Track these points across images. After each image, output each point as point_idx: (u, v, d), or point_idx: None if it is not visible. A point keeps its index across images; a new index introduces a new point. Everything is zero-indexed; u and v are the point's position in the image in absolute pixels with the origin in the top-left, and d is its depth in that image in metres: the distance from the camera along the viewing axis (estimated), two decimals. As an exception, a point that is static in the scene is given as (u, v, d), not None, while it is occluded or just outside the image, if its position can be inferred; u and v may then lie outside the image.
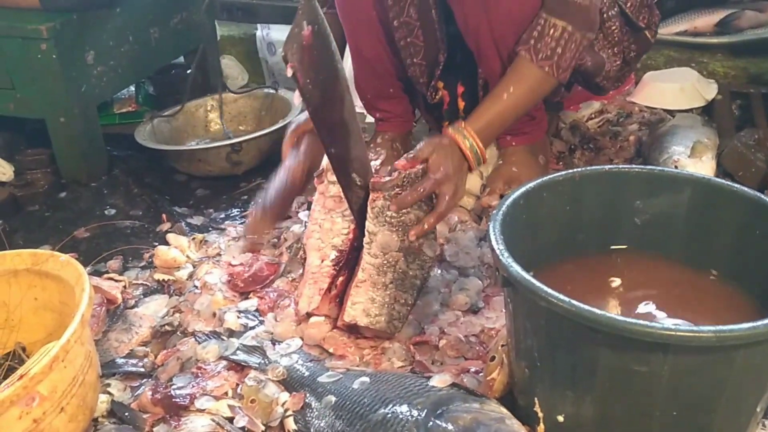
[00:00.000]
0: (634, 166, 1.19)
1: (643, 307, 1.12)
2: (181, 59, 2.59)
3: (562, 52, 1.42)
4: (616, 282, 1.19)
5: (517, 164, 1.68)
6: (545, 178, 1.18)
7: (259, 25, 2.66)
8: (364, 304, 1.29)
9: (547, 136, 1.82)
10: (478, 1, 1.45)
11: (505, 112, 1.43)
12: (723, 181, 1.16)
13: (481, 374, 1.20)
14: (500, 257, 0.99)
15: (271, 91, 2.35)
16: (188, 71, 2.48)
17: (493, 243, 1.02)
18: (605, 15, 1.58)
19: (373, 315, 1.29)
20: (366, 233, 1.31)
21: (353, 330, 1.33)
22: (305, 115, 1.52)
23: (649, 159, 1.74)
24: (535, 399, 1.04)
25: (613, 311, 1.10)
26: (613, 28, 1.60)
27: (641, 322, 0.86)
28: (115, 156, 2.16)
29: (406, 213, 1.31)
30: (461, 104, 1.75)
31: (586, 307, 0.89)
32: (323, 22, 1.16)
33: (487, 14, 1.46)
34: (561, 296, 0.90)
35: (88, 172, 2.05)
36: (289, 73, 1.13)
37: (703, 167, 1.64)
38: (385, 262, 1.30)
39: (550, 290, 0.92)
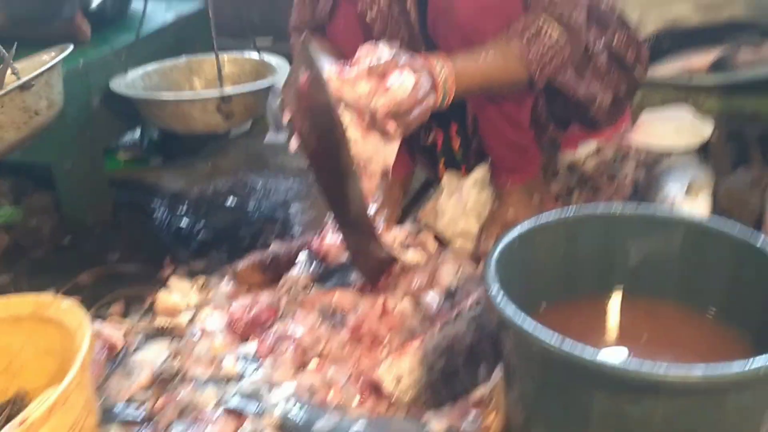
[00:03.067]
0: (627, 208, 1.20)
1: (640, 348, 1.13)
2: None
3: (550, 58, 1.42)
4: (612, 323, 1.20)
5: (513, 206, 1.69)
6: (539, 221, 1.19)
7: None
8: (401, 372, 1.27)
9: (543, 176, 1.84)
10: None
11: (479, 71, 1.40)
12: (715, 221, 1.17)
13: (478, 419, 1.20)
14: (494, 300, 1.00)
15: (255, 56, 2.28)
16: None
17: (488, 286, 1.03)
18: (591, 51, 1.61)
19: (402, 387, 1.27)
20: None
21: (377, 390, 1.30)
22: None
23: (646, 199, 1.75)
24: (531, 442, 1.05)
25: (608, 353, 1.10)
26: (600, 62, 1.63)
27: (632, 365, 0.87)
28: (120, 201, 2.19)
29: None
30: (456, 141, 1.77)
31: (579, 350, 0.89)
32: (319, 69, 1.19)
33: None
34: (554, 340, 0.91)
35: (93, 218, 2.08)
36: (286, 118, 1.16)
37: (699, 206, 1.65)
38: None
39: (543, 334, 0.92)
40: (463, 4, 1.45)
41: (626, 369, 0.87)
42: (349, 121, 1.26)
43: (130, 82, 2.15)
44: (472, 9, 1.45)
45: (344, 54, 1.60)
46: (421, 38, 1.61)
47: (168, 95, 2.09)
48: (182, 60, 2.30)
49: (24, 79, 1.66)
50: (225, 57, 2.19)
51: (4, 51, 1.71)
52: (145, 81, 2.20)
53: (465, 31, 1.46)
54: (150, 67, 2.23)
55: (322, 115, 1.24)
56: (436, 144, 1.79)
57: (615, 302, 1.22)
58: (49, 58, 1.79)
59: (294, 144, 1.26)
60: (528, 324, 0.95)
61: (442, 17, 1.50)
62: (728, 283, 1.15)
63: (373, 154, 1.30)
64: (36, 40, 1.89)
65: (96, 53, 2.10)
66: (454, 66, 1.35)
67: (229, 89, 2.02)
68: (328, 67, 1.27)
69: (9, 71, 1.72)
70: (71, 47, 1.77)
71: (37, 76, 1.66)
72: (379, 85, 1.26)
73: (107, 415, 1.33)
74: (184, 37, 2.43)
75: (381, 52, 1.30)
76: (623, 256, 1.22)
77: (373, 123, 1.27)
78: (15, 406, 1.32)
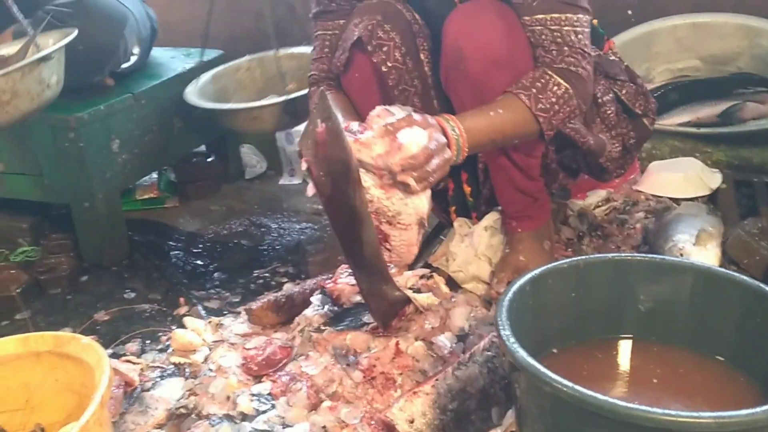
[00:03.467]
0: (637, 254, 1.23)
1: (649, 394, 1.14)
2: (203, 147, 2.69)
3: (558, 110, 1.46)
4: (622, 368, 1.22)
5: (523, 252, 1.71)
6: (551, 266, 1.22)
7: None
8: (414, 414, 1.28)
9: (553, 222, 1.86)
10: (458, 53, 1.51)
11: (490, 127, 1.43)
12: (724, 270, 1.20)
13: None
14: (506, 342, 1.03)
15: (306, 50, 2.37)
16: (209, 159, 2.58)
17: (500, 328, 1.05)
18: (600, 100, 1.65)
19: (414, 428, 1.27)
20: None
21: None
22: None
23: (655, 247, 1.78)
24: (544, 485, 1.05)
25: (618, 398, 1.11)
26: (609, 112, 1.67)
27: (643, 407, 0.89)
28: (136, 241, 2.23)
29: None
30: (467, 189, 1.81)
31: (590, 392, 0.91)
32: (336, 119, 1.23)
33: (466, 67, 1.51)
34: (565, 382, 0.93)
35: (110, 257, 2.12)
36: (304, 167, 1.21)
37: (708, 255, 1.67)
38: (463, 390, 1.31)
39: (554, 376, 0.94)
40: (475, 57, 1.49)
41: (638, 411, 0.88)
42: (370, 183, 1.32)
43: (202, 86, 2.33)
44: (484, 63, 1.49)
45: (358, 106, 1.66)
46: (434, 91, 1.66)
47: (240, 105, 2.25)
48: (245, 60, 2.49)
49: (45, 51, 1.77)
50: (282, 53, 2.34)
51: (30, 27, 1.84)
52: (214, 84, 2.39)
53: (477, 84, 1.51)
54: (217, 69, 2.42)
55: (337, 163, 1.28)
56: (447, 190, 1.83)
57: (625, 348, 1.24)
58: (57, 38, 1.88)
59: (310, 190, 1.30)
60: (539, 366, 0.97)
61: (454, 70, 1.55)
62: (738, 330, 1.16)
63: (401, 208, 1.35)
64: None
65: (117, 99, 2.16)
66: (464, 124, 1.40)
67: (294, 92, 2.17)
68: (344, 123, 1.32)
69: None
70: (76, 31, 1.86)
71: (55, 51, 1.77)
72: (392, 144, 1.30)
73: (123, 451, 1.35)
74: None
75: (394, 112, 1.35)
76: (633, 302, 1.24)
77: (393, 180, 1.32)
78: (33, 441, 1.34)
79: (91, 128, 2.01)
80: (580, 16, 1.49)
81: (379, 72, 1.61)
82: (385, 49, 1.61)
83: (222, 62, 2.52)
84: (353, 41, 1.60)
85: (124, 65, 2.27)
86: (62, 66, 1.84)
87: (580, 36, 1.49)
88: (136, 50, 2.29)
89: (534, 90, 1.45)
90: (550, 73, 1.47)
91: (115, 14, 2.14)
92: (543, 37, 1.48)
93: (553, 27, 1.47)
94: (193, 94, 2.27)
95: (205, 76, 2.39)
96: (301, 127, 2.64)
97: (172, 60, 2.48)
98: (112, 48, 2.12)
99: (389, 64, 1.61)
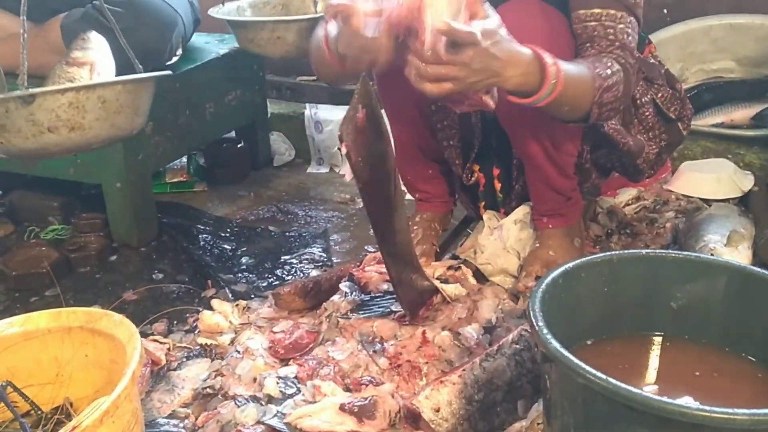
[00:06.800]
0: (671, 251, 1.22)
1: (678, 392, 1.14)
2: (233, 133, 2.70)
3: (609, 86, 1.39)
4: (652, 365, 1.21)
5: (553, 247, 1.71)
6: (584, 259, 1.21)
7: (307, 104, 2.78)
8: (440, 402, 1.28)
9: (583, 219, 1.86)
10: None
11: (572, 79, 1.34)
12: (759, 269, 1.19)
13: (516, 452, 1.22)
14: (539, 333, 1.03)
15: None
16: (239, 145, 2.59)
17: (533, 319, 1.05)
18: (639, 101, 1.65)
19: (440, 416, 1.27)
20: None
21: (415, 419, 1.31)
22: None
23: (685, 246, 1.77)
24: (570, 477, 1.05)
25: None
26: (647, 114, 1.66)
27: (677, 402, 0.88)
28: (165, 223, 2.24)
29: None
30: (497, 185, 1.80)
31: (623, 385, 0.91)
32: (377, 106, 1.23)
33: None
34: (598, 373, 0.93)
35: (139, 237, 2.14)
36: (344, 151, 1.21)
37: (739, 257, 1.66)
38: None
39: (588, 367, 0.94)
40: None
41: (672, 406, 0.88)
42: None
43: (226, 11, 2.23)
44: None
45: None
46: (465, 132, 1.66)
47: (264, 18, 2.16)
48: None
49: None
50: None
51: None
52: (240, 13, 2.28)
53: None
54: (243, 1, 2.31)
55: (376, 151, 1.29)
56: (478, 184, 1.83)
57: (656, 345, 1.23)
58: None
59: (348, 175, 1.30)
60: (572, 357, 0.97)
61: None
62: (771, 331, 1.16)
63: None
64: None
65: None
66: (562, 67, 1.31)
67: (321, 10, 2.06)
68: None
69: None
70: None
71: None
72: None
73: (151, 426, 1.37)
74: (235, 69, 2.51)
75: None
76: (666, 299, 1.23)
77: None
78: (62, 414, 1.36)
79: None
80: (632, 19, 1.48)
81: None
82: None
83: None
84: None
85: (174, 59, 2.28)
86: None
87: (630, 38, 1.47)
88: (179, 51, 2.30)
89: (596, 68, 1.39)
90: (606, 55, 1.43)
91: (166, 18, 2.13)
92: (595, 33, 1.46)
93: (607, 23, 1.45)
94: (214, 11, 2.20)
95: (230, 5, 2.29)
96: (329, 115, 2.66)
97: (206, 45, 2.50)
98: (159, 52, 2.12)
99: None
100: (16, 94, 1.49)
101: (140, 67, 1.73)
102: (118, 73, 1.72)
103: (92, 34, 1.74)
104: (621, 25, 1.46)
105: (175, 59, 2.27)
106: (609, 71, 1.40)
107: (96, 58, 1.71)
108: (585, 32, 1.47)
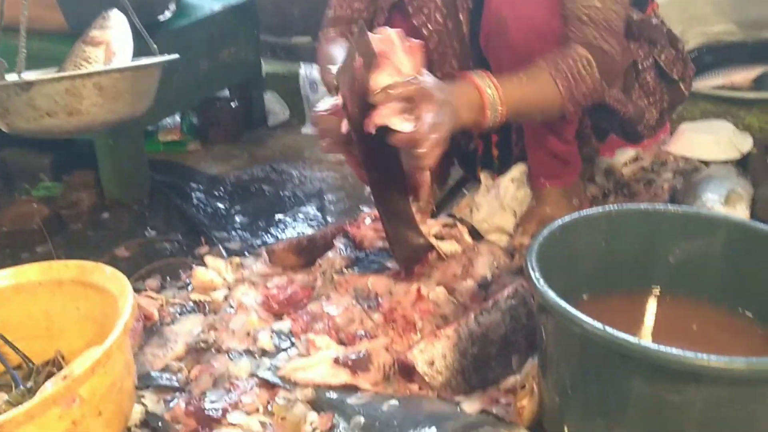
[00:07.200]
0: (670, 206, 1.21)
1: (676, 345, 1.13)
2: (226, 92, 2.67)
3: (579, 81, 1.39)
4: (649, 319, 1.21)
5: (551, 205, 1.69)
6: (582, 213, 1.20)
7: (302, 64, 2.74)
8: (434, 356, 1.28)
9: (581, 180, 1.84)
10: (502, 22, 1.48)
11: (520, 93, 1.36)
12: (758, 224, 1.18)
13: (510, 405, 1.21)
14: (536, 284, 1.02)
15: None
16: (232, 103, 2.56)
17: (530, 270, 1.04)
18: (640, 66, 1.63)
19: (434, 370, 1.27)
20: None
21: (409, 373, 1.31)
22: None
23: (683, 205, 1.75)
24: (565, 428, 1.05)
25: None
26: (648, 78, 1.64)
27: (675, 350, 0.88)
28: (158, 181, 2.22)
29: None
30: (495, 152, 1.79)
31: (621, 334, 0.90)
32: (374, 55, 1.21)
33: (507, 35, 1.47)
34: (595, 323, 0.92)
35: (131, 194, 2.12)
36: (340, 101, 1.18)
37: (737, 216, 1.64)
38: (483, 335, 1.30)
39: (584, 316, 0.93)
40: (517, 27, 1.46)
41: (670, 354, 0.87)
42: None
43: None
44: (526, 33, 1.46)
45: None
46: (471, 53, 1.63)
47: None
48: None
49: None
50: None
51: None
52: None
53: (518, 54, 1.46)
54: None
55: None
56: (476, 151, 1.81)
57: (653, 299, 1.23)
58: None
59: (344, 126, 1.28)
60: (568, 307, 0.96)
61: (494, 36, 1.52)
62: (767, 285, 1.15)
63: None
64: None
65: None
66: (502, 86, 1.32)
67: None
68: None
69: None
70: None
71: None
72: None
73: (144, 380, 1.36)
74: (229, 26, 2.47)
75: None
76: (664, 254, 1.22)
77: None
78: (54, 367, 1.35)
79: (117, 64, 2.00)
80: None
81: (419, 35, 1.57)
82: (426, 11, 1.58)
83: (249, 5, 2.48)
84: (393, 2, 1.57)
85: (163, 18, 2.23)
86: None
87: (615, 15, 1.43)
88: (172, 6, 2.25)
89: (559, 60, 1.39)
90: (574, 46, 1.42)
91: None
92: (581, 15, 1.42)
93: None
94: None
95: None
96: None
97: (199, 1, 2.45)
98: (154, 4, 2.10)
99: (430, 27, 1.59)
100: (15, 82, 1.57)
101: (155, 46, 1.75)
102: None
103: (113, 11, 1.77)
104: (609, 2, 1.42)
105: (168, 14, 2.23)
106: (575, 66, 1.38)
107: (112, 37, 1.76)
108: (566, 10, 1.44)
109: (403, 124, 1.18)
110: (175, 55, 1.79)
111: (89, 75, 1.62)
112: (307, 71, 2.70)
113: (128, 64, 1.72)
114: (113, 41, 1.75)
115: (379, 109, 1.18)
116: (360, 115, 1.24)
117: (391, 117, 1.18)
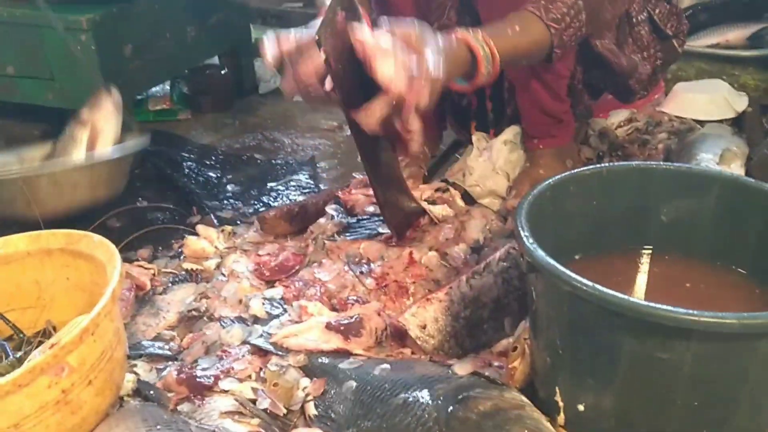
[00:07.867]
0: (662, 162, 1.19)
1: (668, 303, 1.12)
2: (216, 60, 2.64)
3: (568, 24, 1.35)
4: (641, 279, 1.20)
5: (544, 167, 1.68)
6: (573, 172, 1.19)
7: (293, 30, 2.70)
8: (426, 319, 1.27)
9: (575, 141, 1.83)
10: None
11: (510, 42, 1.31)
12: (751, 179, 1.16)
13: (502, 368, 1.21)
14: (525, 243, 1.00)
15: None
16: (222, 71, 2.53)
17: (519, 229, 1.03)
18: (634, 19, 1.60)
19: (426, 333, 1.26)
20: None
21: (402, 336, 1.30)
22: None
23: (677, 165, 1.74)
24: (556, 388, 1.05)
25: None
26: (642, 32, 1.61)
27: (665, 306, 0.87)
28: (148, 150, 2.19)
29: None
30: (489, 105, 1.76)
31: (610, 291, 0.89)
32: (357, 8, 1.17)
33: None
34: (585, 280, 0.91)
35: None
36: (322, 57, 1.15)
37: (729, 172, 1.63)
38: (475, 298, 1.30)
39: (573, 274, 0.92)
40: None
41: (659, 311, 0.86)
42: None
43: None
44: None
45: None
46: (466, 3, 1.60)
47: None
48: None
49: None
50: None
51: None
52: None
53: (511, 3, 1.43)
54: None
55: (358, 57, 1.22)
56: (469, 105, 1.79)
57: (645, 258, 1.22)
58: None
59: (328, 84, 1.25)
60: (557, 265, 0.94)
61: None
62: (762, 242, 1.13)
63: None
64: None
65: (128, 5, 2.10)
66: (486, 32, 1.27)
67: None
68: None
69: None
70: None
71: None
72: None
73: (135, 348, 1.35)
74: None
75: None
76: (656, 212, 1.21)
77: None
78: (44, 337, 1.34)
79: (104, 31, 1.97)
80: None
81: None
82: None
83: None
84: None
85: None
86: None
87: None
88: None
89: (543, 1, 1.34)
90: None
91: None
92: None
93: None
94: None
95: None
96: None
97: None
98: None
99: None
100: None
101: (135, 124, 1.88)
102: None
103: (105, 91, 1.84)
104: None
105: None
106: (564, 9, 1.33)
107: (98, 117, 1.83)
108: None
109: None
110: (145, 142, 1.87)
111: (42, 169, 1.74)
112: (298, 37, 2.65)
113: (81, 159, 1.80)
114: (99, 122, 1.83)
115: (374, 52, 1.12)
116: (345, 73, 1.21)
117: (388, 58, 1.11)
